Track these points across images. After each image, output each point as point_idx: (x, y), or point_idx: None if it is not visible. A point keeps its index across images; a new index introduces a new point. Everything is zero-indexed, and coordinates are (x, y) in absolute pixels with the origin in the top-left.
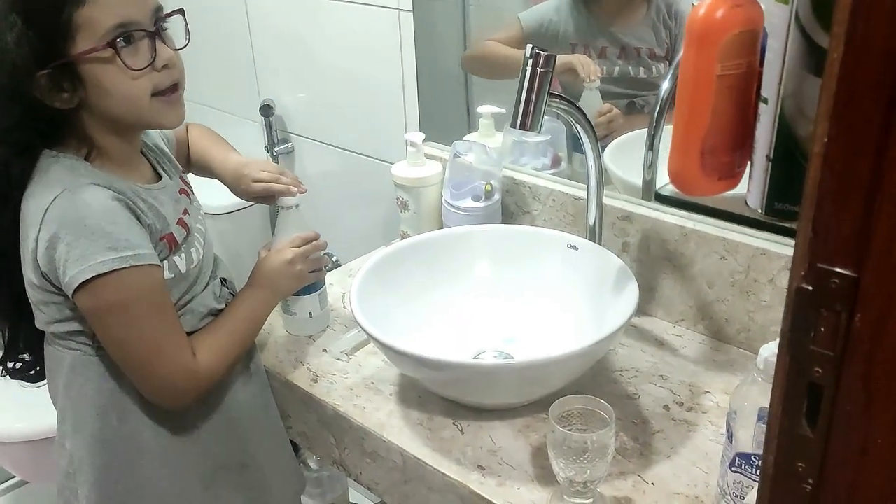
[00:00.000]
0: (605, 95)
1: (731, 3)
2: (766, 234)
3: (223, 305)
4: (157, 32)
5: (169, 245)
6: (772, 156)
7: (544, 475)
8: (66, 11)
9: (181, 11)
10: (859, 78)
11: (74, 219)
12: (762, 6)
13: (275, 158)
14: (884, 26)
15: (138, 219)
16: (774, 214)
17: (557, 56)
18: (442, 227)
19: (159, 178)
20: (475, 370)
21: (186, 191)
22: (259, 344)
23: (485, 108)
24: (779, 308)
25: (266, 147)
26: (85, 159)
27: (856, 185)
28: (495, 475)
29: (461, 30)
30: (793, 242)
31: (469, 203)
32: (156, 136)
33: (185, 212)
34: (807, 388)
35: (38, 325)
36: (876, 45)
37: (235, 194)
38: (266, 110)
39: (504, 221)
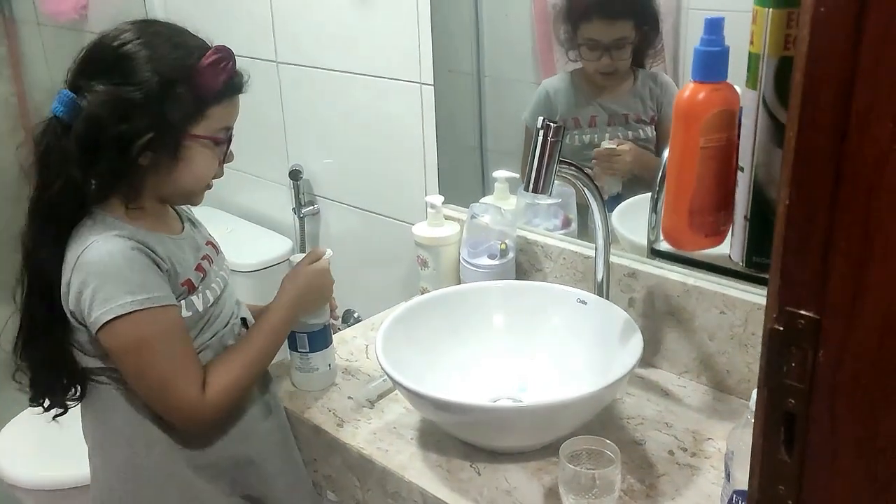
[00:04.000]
0: None
1: (711, 87)
2: (761, 290)
3: None
4: (231, 137)
5: (188, 288)
6: (749, 216)
7: None
8: (210, 103)
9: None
10: (811, 151)
11: (99, 266)
12: (737, 90)
13: (301, 220)
14: (829, 109)
15: (157, 265)
16: (753, 266)
17: None
18: (459, 284)
19: (183, 229)
20: (491, 413)
21: (213, 243)
22: (286, 392)
23: (500, 174)
24: None
25: (293, 209)
26: (125, 210)
27: (813, 239)
28: None
29: (476, 100)
30: None
31: (485, 261)
32: None
33: (206, 258)
34: (783, 417)
35: (79, 358)
36: (824, 124)
37: None
38: (295, 174)
39: (518, 278)
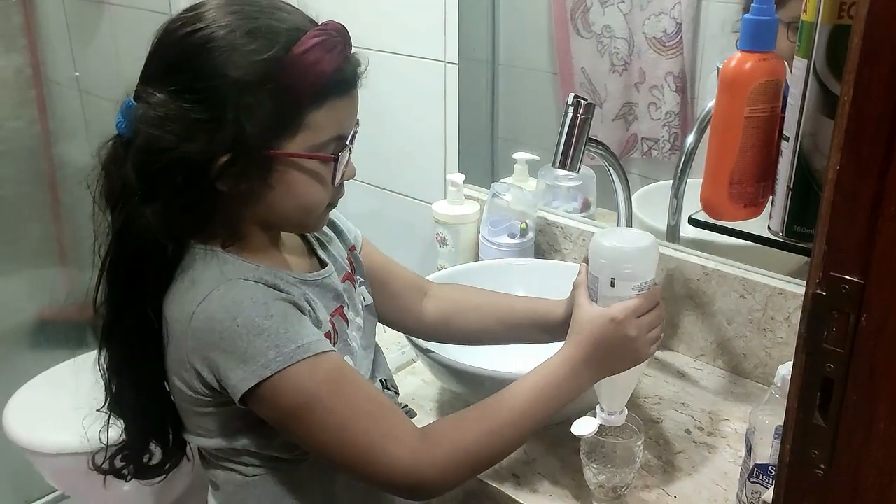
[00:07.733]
0: None
1: (759, 57)
2: (782, 276)
3: None
4: (348, 147)
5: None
6: (792, 186)
7: (574, 485)
8: (307, 108)
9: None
10: (865, 116)
11: (225, 321)
12: (784, 61)
13: None
14: (885, 74)
15: (298, 307)
16: (793, 236)
17: None
18: (478, 261)
19: (322, 265)
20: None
21: (350, 275)
22: None
23: (520, 155)
24: (794, 345)
25: None
26: (222, 248)
27: (861, 205)
28: (529, 483)
29: (490, 86)
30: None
31: (505, 239)
32: None
33: (341, 309)
34: (820, 382)
35: (190, 438)
36: (879, 89)
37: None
38: None
39: (536, 258)
